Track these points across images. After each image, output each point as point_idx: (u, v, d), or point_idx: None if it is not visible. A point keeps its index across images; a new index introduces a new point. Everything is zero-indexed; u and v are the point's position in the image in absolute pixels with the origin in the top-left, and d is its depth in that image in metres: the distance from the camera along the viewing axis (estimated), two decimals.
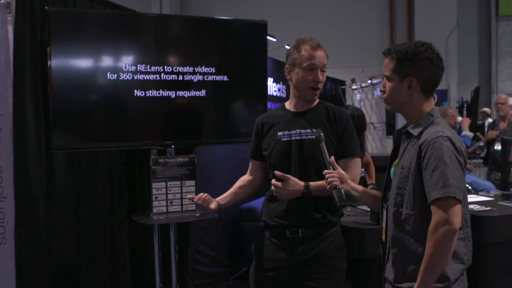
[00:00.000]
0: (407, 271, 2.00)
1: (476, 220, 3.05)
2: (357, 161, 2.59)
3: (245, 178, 2.80)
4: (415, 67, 2.02)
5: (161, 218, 3.22)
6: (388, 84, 2.10)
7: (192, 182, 3.34)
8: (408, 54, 2.02)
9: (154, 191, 3.24)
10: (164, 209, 3.27)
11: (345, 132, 2.55)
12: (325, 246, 2.49)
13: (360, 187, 2.40)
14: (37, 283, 3.09)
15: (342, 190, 2.25)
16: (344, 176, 2.31)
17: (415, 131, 2.04)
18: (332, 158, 2.33)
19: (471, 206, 3.32)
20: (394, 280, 2.06)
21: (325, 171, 2.30)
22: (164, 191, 3.27)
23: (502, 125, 6.51)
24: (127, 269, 3.67)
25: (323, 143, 2.38)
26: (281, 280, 2.55)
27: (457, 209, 1.85)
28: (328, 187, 2.27)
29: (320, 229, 2.50)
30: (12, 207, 2.97)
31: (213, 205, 2.64)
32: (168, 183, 3.27)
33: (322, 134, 2.40)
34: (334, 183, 2.25)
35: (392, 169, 2.17)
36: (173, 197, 3.29)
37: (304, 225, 2.50)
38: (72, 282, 3.32)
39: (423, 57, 2.01)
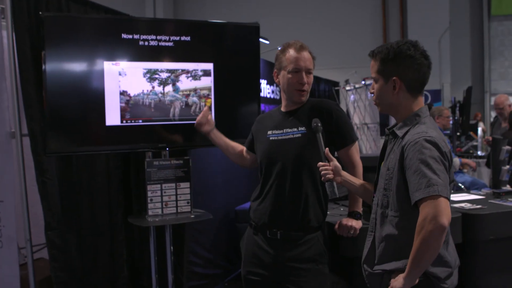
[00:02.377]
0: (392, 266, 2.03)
1: (467, 218, 3.10)
2: (357, 145, 2.68)
3: (241, 148, 2.99)
4: (398, 67, 2.03)
5: (157, 220, 3.25)
6: (376, 86, 2.12)
7: (187, 184, 3.36)
8: (390, 54, 2.03)
9: (149, 194, 3.26)
10: (159, 211, 3.29)
11: (340, 120, 2.59)
12: (303, 250, 2.53)
13: (355, 179, 2.42)
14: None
15: (334, 183, 2.29)
16: (338, 168, 2.33)
17: (400, 132, 2.05)
18: (327, 149, 2.36)
19: (462, 205, 3.37)
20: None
21: (319, 163, 2.33)
22: (159, 193, 3.29)
23: (504, 124, 6.56)
24: (124, 271, 3.69)
25: (320, 134, 2.41)
26: (265, 278, 2.60)
27: (445, 206, 1.82)
28: (322, 179, 2.31)
29: (300, 233, 2.54)
30: (10, 211, 3.00)
31: (206, 127, 3.02)
32: (163, 185, 3.30)
33: (319, 125, 2.43)
34: (328, 176, 2.29)
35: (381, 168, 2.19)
36: (168, 199, 3.32)
37: (284, 228, 2.54)
38: (73, 285, 3.34)
39: (405, 55, 2.01)
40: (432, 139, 1.92)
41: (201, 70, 3.37)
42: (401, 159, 1.97)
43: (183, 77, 3.33)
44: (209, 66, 3.41)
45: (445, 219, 1.80)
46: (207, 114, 3.05)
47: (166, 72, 3.29)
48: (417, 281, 1.93)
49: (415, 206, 1.89)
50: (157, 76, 3.26)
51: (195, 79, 3.37)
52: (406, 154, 1.94)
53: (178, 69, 3.32)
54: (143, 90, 3.23)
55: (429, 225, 1.80)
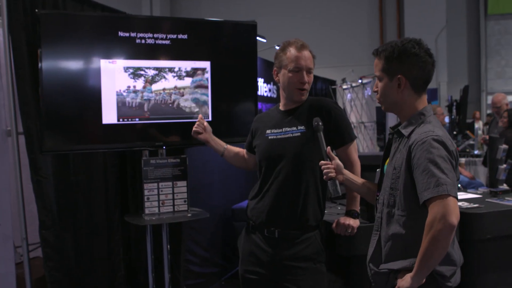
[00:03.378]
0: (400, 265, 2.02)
1: (464, 217, 3.10)
2: (355, 144, 2.67)
3: (242, 151, 2.95)
4: (403, 65, 2.02)
5: (153, 218, 3.23)
6: (380, 84, 2.11)
7: (184, 183, 3.35)
8: (395, 53, 2.02)
9: (146, 192, 3.25)
10: (156, 209, 3.28)
11: (338, 118, 2.59)
12: (300, 249, 2.52)
13: (357, 178, 2.40)
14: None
15: (337, 181, 2.28)
16: (340, 167, 2.32)
17: (405, 131, 2.04)
18: (329, 148, 2.35)
19: (459, 204, 3.37)
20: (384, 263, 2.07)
21: (321, 162, 2.32)
22: (156, 192, 3.28)
23: (501, 123, 6.58)
24: (121, 271, 3.68)
25: (321, 133, 2.40)
26: (263, 277, 2.59)
27: (454, 205, 1.82)
28: (324, 178, 2.30)
29: (297, 232, 2.53)
30: (6, 209, 2.98)
31: (204, 135, 3.01)
32: (160, 184, 3.29)
33: (320, 124, 2.42)
34: (330, 174, 2.28)
35: (386, 167, 2.18)
36: (165, 198, 3.30)
37: (281, 227, 2.54)
38: (69, 284, 3.32)
39: (410, 54, 2.00)
40: (440, 138, 1.92)
41: (185, 71, 3.35)
42: (408, 158, 1.96)
43: (169, 76, 3.32)
44: (206, 64, 3.40)
45: (454, 218, 1.81)
46: (202, 121, 3.02)
47: (153, 69, 3.27)
48: (423, 280, 1.92)
49: (423, 206, 1.89)
50: (142, 72, 3.24)
51: (180, 79, 3.35)
52: (414, 153, 1.93)
53: (165, 67, 3.30)
54: (128, 87, 3.22)
55: (438, 225, 1.80)
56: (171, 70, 3.31)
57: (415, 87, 2.05)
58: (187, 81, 3.36)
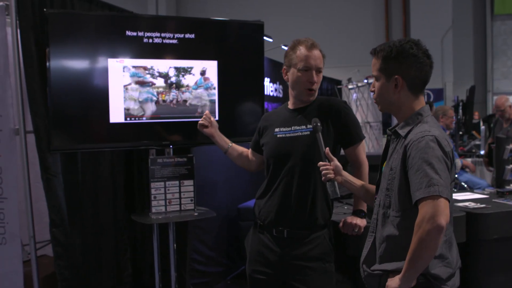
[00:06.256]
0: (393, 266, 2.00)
1: (471, 217, 3.10)
2: (364, 144, 2.66)
3: (246, 150, 2.94)
4: (400, 65, 2.00)
5: (160, 217, 3.25)
6: (377, 84, 2.09)
7: (191, 182, 3.36)
8: (392, 53, 2.01)
9: (152, 191, 3.26)
10: (163, 208, 3.29)
11: (348, 118, 2.58)
12: (309, 248, 2.52)
13: (356, 180, 2.39)
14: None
15: (335, 183, 2.28)
16: (338, 168, 2.31)
17: (402, 131, 2.03)
18: (327, 149, 2.34)
19: (466, 204, 3.37)
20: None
21: (320, 163, 2.32)
22: (162, 191, 3.29)
23: (505, 124, 6.58)
24: (128, 269, 3.69)
25: (320, 134, 2.39)
26: (271, 277, 2.59)
27: (444, 206, 1.80)
28: (322, 179, 2.30)
29: (306, 232, 2.53)
30: (14, 208, 2.99)
31: (210, 129, 2.97)
32: (167, 183, 3.30)
33: (319, 124, 2.41)
34: (328, 175, 2.27)
35: (383, 168, 2.17)
36: (171, 197, 3.31)
37: (290, 226, 2.53)
38: (77, 283, 3.34)
39: (408, 54, 1.99)
40: (435, 138, 1.89)
41: (192, 70, 3.35)
42: (404, 158, 1.95)
43: (177, 75, 3.32)
44: (213, 64, 3.40)
45: (443, 219, 1.78)
46: (209, 116, 3.00)
47: (161, 68, 3.28)
48: (414, 282, 1.91)
49: (416, 206, 1.87)
50: (149, 71, 3.25)
51: (187, 78, 3.35)
52: (409, 153, 1.92)
53: (173, 67, 3.31)
54: (135, 86, 3.22)
55: (426, 225, 1.78)
56: (178, 69, 3.32)
57: (412, 88, 2.03)
58: (195, 80, 3.37)
